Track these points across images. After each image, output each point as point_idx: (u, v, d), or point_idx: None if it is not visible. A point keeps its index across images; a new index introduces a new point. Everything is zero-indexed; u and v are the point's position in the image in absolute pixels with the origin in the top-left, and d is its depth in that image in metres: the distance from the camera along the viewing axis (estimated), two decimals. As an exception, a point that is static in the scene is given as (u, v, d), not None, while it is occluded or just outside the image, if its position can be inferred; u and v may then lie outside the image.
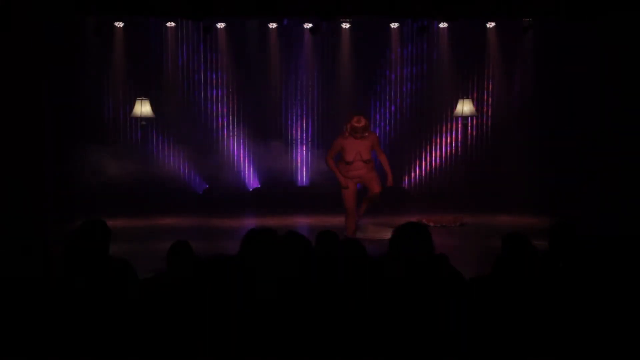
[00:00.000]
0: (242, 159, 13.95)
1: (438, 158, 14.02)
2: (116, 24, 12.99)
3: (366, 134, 10.11)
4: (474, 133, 13.92)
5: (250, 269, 4.26)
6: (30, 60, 10.66)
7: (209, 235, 10.77)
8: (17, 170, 10.41)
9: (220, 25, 13.34)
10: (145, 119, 12.78)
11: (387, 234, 9.90)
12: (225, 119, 13.81)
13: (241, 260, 4.43)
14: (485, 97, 13.85)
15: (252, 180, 13.97)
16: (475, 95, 13.69)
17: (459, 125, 13.81)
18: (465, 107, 12.95)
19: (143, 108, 12.60)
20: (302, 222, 12.13)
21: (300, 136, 13.99)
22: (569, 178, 12.36)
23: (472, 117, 13.35)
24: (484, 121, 13.87)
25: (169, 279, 4.79)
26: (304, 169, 14.05)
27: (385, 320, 4.07)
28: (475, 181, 13.60)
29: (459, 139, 13.94)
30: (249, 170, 13.97)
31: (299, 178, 14.07)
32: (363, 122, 10.06)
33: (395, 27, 13.64)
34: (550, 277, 4.59)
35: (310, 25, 13.10)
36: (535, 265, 4.46)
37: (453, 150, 13.97)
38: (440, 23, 13.31)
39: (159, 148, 13.66)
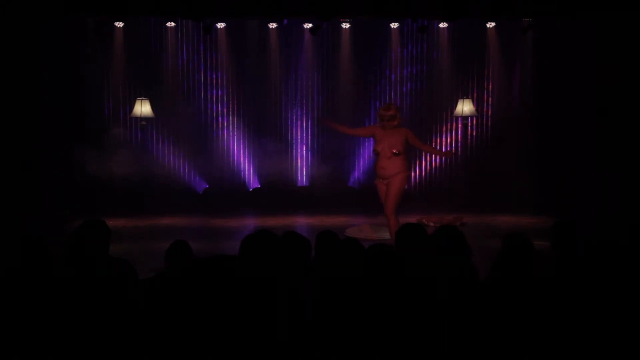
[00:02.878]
0: (242, 159, 13.95)
1: (438, 158, 14.02)
2: (116, 24, 13.00)
3: (395, 123, 9.54)
4: (474, 133, 13.92)
5: (250, 270, 4.27)
6: (30, 60, 10.66)
7: (209, 235, 10.77)
8: (16, 170, 10.41)
9: (220, 25, 13.34)
10: (145, 119, 12.78)
11: (386, 234, 9.93)
12: (225, 119, 13.81)
13: (241, 265, 4.43)
14: (485, 97, 13.84)
15: (252, 180, 13.97)
16: (475, 95, 13.69)
17: (459, 125, 13.81)
18: (465, 107, 12.95)
19: (143, 108, 12.60)
20: (302, 222, 12.13)
21: (300, 136, 13.99)
22: (569, 178, 12.36)
23: (472, 117, 13.35)
24: (484, 121, 13.87)
25: (169, 278, 4.79)
26: (304, 169, 14.05)
27: (385, 320, 4.06)
28: (475, 181, 13.60)
29: (459, 139, 13.94)
30: (249, 170, 13.97)
31: (299, 178, 14.07)
32: (391, 111, 9.55)
33: (395, 27, 13.64)
34: (551, 277, 4.58)
35: (310, 25, 13.10)
36: (535, 264, 4.46)
37: (453, 151, 13.96)
38: (440, 23, 13.31)
39: (159, 148, 13.66)
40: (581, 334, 4.13)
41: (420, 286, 4.25)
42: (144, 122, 12.90)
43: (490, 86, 13.83)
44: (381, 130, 9.62)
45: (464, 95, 13.21)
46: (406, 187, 9.84)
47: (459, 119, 13.45)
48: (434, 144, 13.90)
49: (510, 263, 4.41)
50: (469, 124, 13.82)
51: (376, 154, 9.65)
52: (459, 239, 4.81)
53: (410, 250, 4.80)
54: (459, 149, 13.89)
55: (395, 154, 9.48)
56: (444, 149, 13.78)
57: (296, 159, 14.03)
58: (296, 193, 13.64)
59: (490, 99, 13.85)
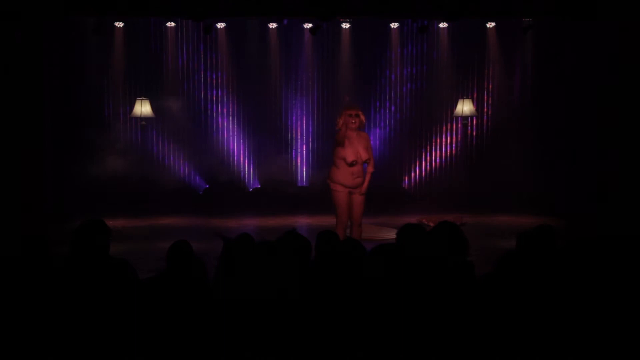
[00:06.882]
0: (242, 159, 13.95)
1: (438, 158, 14.02)
2: (116, 24, 13.00)
3: (362, 117, 8.97)
4: (474, 133, 13.92)
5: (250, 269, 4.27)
6: (30, 60, 10.66)
7: (209, 235, 10.76)
8: (16, 171, 10.41)
9: (220, 25, 13.34)
10: (145, 119, 12.79)
11: (387, 234, 9.93)
12: (225, 119, 13.81)
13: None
14: (485, 97, 13.85)
15: (252, 180, 13.97)
16: (475, 95, 13.69)
17: (459, 125, 13.82)
18: (465, 107, 12.97)
19: (143, 108, 12.61)
20: (302, 222, 12.13)
21: (300, 136, 13.99)
22: (568, 178, 12.36)
23: (472, 117, 13.35)
24: (484, 121, 13.87)
25: (169, 279, 4.79)
26: (304, 169, 14.05)
27: (385, 321, 4.06)
28: (475, 181, 13.60)
29: (459, 139, 13.95)
30: (249, 170, 13.97)
31: (298, 178, 14.07)
32: (356, 106, 9.11)
33: (395, 27, 13.64)
34: (555, 277, 4.58)
35: (310, 25, 13.10)
36: (552, 263, 4.45)
37: (453, 151, 13.97)
38: (440, 23, 13.31)
39: (159, 148, 13.66)
40: (581, 333, 4.13)
41: (421, 285, 4.25)
42: (144, 122, 12.91)
43: (490, 86, 13.83)
44: (351, 134, 8.88)
45: (464, 95, 13.22)
46: None
47: (459, 119, 13.46)
48: (434, 144, 13.91)
49: (525, 260, 4.38)
50: (469, 124, 13.82)
51: (351, 164, 8.81)
52: (458, 236, 4.80)
53: (411, 251, 4.80)
54: (459, 149, 13.90)
55: (365, 162, 8.90)
56: (444, 149, 13.83)
57: (296, 159, 14.03)
58: (296, 193, 13.63)
59: (490, 99, 13.86)
